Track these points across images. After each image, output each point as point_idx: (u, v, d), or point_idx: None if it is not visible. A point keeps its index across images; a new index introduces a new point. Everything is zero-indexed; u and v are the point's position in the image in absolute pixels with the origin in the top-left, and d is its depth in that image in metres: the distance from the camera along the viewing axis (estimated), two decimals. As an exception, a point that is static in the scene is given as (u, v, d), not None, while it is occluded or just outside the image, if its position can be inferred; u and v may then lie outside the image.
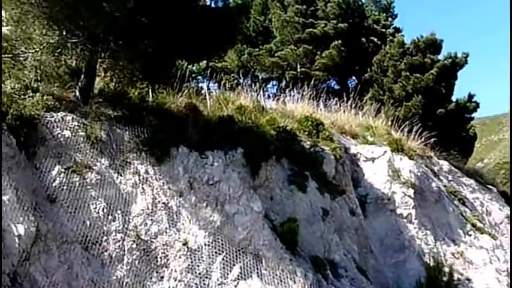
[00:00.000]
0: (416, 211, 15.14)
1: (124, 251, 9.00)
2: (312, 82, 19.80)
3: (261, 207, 10.88)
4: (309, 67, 25.52)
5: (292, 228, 11.05)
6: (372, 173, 15.71)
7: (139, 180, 10.01)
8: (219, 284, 9.58)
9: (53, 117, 9.77)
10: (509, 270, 14.84)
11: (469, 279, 14.59)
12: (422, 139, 18.85)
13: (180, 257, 9.50)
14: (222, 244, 9.97)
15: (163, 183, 10.21)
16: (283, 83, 24.38)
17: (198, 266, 9.57)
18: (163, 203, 9.96)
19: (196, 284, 9.39)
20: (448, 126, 22.19)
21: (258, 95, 16.63)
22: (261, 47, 26.69)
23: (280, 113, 15.34)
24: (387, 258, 14.22)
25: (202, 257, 9.70)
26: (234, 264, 9.85)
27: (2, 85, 9.71)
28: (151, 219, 9.65)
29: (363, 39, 25.95)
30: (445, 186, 17.69)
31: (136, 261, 9.03)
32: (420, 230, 14.99)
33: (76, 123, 9.98)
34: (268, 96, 21.32)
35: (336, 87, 26.71)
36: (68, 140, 9.66)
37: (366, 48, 25.85)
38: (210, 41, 11.12)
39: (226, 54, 21.63)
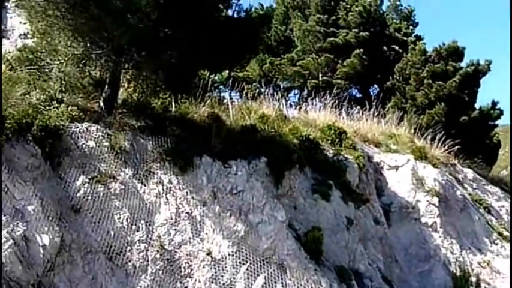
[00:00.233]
0: (441, 220, 14.97)
1: (148, 261, 8.97)
2: (334, 91, 19.82)
3: (285, 216, 10.82)
4: (331, 76, 25.43)
5: (317, 238, 10.96)
6: (396, 182, 15.59)
7: (163, 190, 10.01)
8: (243, 294, 9.52)
9: (77, 127, 9.83)
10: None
11: (496, 289, 14.38)
12: (446, 147, 18.65)
13: (204, 267, 9.45)
14: (246, 254, 9.89)
15: (186, 192, 10.20)
16: (305, 91, 24.25)
17: (222, 276, 9.50)
18: (187, 212, 9.94)
19: (220, 294, 9.35)
20: (471, 134, 21.93)
21: (280, 104, 16.60)
22: (282, 56, 26.65)
23: (302, 122, 15.33)
24: (412, 267, 14.04)
25: (226, 267, 9.62)
26: (258, 274, 9.76)
27: (28, 96, 9.84)
28: (175, 229, 9.63)
29: (385, 47, 25.79)
30: (470, 194, 17.49)
31: (160, 272, 8.99)
32: (445, 238, 14.80)
33: (100, 133, 10.03)
34: (290, 105, 21.31)
35: (358, 95, 26.57)
36: (92, 150, 9.70)
37: (388, 56, 25.69)
38: (232, 51, 11.20)
39: (248, 64, 21.75)
